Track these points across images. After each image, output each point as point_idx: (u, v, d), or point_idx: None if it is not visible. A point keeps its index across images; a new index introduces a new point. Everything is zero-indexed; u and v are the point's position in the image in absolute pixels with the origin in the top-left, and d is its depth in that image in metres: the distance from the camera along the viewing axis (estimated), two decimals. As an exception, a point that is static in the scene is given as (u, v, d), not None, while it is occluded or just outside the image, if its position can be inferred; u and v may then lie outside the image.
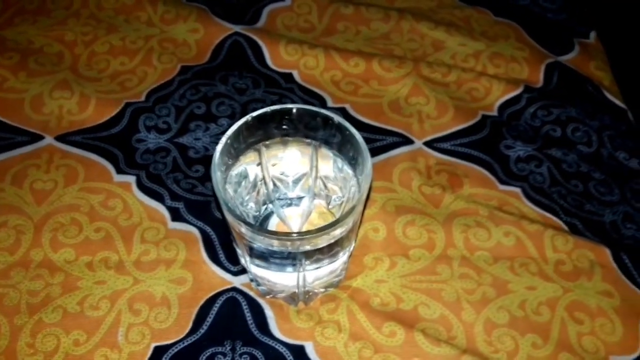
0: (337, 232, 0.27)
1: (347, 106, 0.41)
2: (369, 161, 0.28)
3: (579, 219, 0.36)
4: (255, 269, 0.30)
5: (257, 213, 0.33)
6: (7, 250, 0.33)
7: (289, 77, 0.42)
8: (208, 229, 0.35)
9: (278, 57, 0.43)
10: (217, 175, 0.27)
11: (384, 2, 0.47)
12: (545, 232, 0.36)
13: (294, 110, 0.30)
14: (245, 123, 0.29)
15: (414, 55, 0.44)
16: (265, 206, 0.33)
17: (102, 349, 0.30)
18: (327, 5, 0.46)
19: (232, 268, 0.33)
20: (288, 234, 0.27)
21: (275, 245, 0.27)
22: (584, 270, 0.34)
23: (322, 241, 0.27)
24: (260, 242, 0.27)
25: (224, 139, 0.28)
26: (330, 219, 0.33)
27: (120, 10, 0.44)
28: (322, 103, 0.41)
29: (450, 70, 0.43)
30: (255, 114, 0.29)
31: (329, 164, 0.32)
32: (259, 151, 0.31)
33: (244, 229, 0.27)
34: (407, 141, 0.39)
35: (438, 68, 0.43)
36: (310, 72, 0.42)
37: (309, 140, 0.31)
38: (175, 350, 0.30)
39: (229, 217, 0.27)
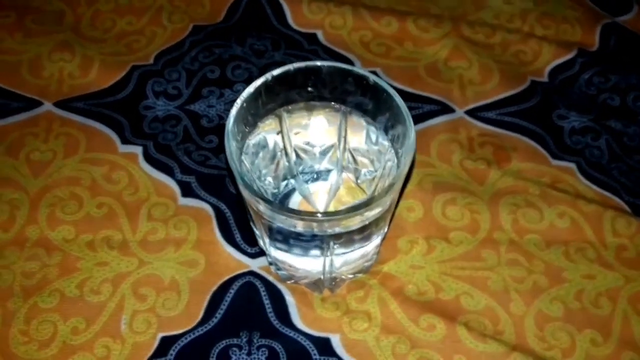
0: (372, 213, 0.23)
1: (378, 70, 0.36)
2: (412, 131, 0.23)
3: (643, 199, 0.32)
4: (275, 252, 0.27)
5: (276, 190, 0.29)
6: (0, 226, 0.30)
7: (312, 37, 0.38)
8: (222, 206, 0.31)
9: (301, 15, 0.38)
10: (231, 144, 0.23)
11: (418, -45, 0.42)
12: (604, 213, 0.31)
13: (322, 69, 0.26)
14: (264, 84, 0.25)
15: (452, 14, 0.39)
16: (286, 181, 0.29)
17: (104, 338, 0.27)
18: (355, -41, 0.41)
19: (249, 250, 0.30)
20: (314, 214, 0.23)
21: (300, 226, 0.23)
22: (650, 258, 0.30)
23: (355, 222, 0.23)
24: (282, 223, 0.23)
25: (239, 102, 0.24)
26: (360, 196, 0.29)
27: (127, -35, 0.40)
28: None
29: (494, 31, 0.38)
30: (275, 72, 0.25)
31: (360, 133, 0.28)
32: (279, 117, 0.27)
33: (262, 207, 0.23)
34: (447, 110, 0.35)
35: (480, 28, 0.38)
36: (337, 32, 0.38)
37: (338, 106, 0.27)
38: (185, 341, 0.27)
39: (245, 194, 0.23)
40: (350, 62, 0.37)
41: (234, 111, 0.24)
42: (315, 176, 0.30)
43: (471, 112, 0.35)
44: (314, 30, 0.38)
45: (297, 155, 0.29)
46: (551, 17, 0.39)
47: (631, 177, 0.33)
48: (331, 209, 0.29)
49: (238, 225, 0.31)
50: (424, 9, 0.39)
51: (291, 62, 0.36)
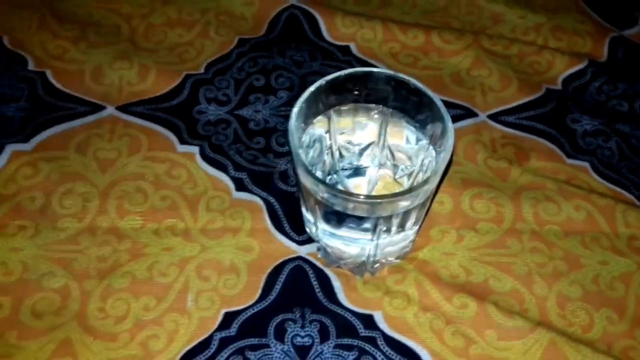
0: (417, 198, 0.27)
1: (407, 79, 0.40)
2: (451, 129, 0.27)
3: (651, 194, 0.35)
4: (326, 236, 0.30)
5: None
6: (74, 216, 0.33)
7: (346, 49, 0.42)
8: (272, 199, 0.34)
9: (335, 29, 0.42)
10: (294, 139, 0.27)
11: (440, -26, 0.46)
12: (616, 206, 0.34)
13: (369, 75, 0.29)
14: (319, 87, 0.29)
15: (473, 28, 0.43)
16: (330, 176, 0.33)
17: (172, 314, 0.30)
18: (383, -22, 0.45)
19: (297, 237, 0.33)
20: (369, 197, 0.26)
21: (353, 208, 0.27)
22: (659, 246, 0.33)
23: (400, 206, 0.27)
24: (338, 206, 0.27)
25: (299, 103, 0.28)
26: (398, 189, 0.32)
27: (176, -17, 0.44)
28: (381, 76, 0.40)
29: (511, 43, 0.42)
30: (328, 78, 0.29)
31: (400, 132, 0.31)
32: (329, 118, 0.31)
33: (322, 192, 0.26)
34: (471, 114, 0.38)
35: (499, 41, 0.42)
36: (368, 45, 0.42)
37: (381, 107, 0.31)
38: (246, 315, 0.30)
39: (307, 181, 0.27)
40: (382, 71, 0.40)
41: (295, 110, 0.27)
42: (354, 171, 0.33)
43: (493, 117, 0.38)
44: (347, 43, 0.42)
45: (340, 153, 0.32)
46: (563, 31, 0.43)
47: (639, 174, 0.36)
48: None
49: (286, 216, 0.34)
50: (447, 23, 0.43)
51: (328, 72, 0.40)
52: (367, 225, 0.28)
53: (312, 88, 0.28)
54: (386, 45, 0.42)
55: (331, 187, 0.26)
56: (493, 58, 0.41)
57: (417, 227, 0.31)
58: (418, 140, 0.30)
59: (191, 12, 0.43)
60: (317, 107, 0.30)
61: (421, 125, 0.30)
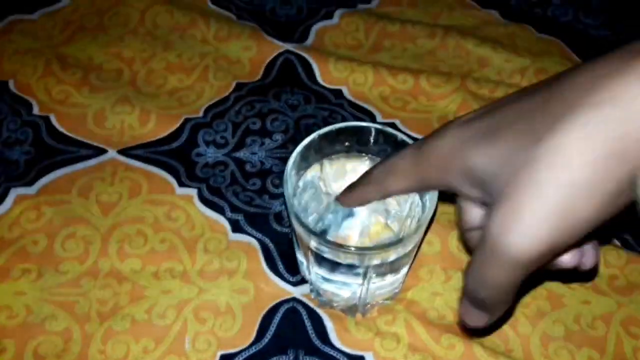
0: (405, 248, 0.28)
1: (397, 121, 0.42)
2: None
3: (630, 234, 0.37)
4: (319, 280, 0.31)
5: (317, 226, 0.34)
6: (77, 259, 0.35)
7: (338, 93, 0.43)
8: (267, 240, 0.36)
9: (328, 74, 0.44)
10: (288, 189, 0.28)
11: (429, 19, 0.48)
12: (597, 247, 0.36)
13: (358, 128, 0.31)
14: (312, 140, 0.30)
15: (460, 71, 0.45)
16: (323, 220, 0.34)
17: (170, 356, 0.31)
18: (373, 23, 0.47)
19: (291, 278, 0.34)
20: (357, 248, 0.28)
21: (343, 258, 0.28)
22: (638, 285, 0.35)
23: (390, 255, 0.28)
24: (329, 255, 0.28)
25: (294, 156, 0.30)
26: (389, 233, 0.34)
27: (175, 28, 0.46)
28: (372, 118, 0.42)
29: (497, 86, 0.44)
30: (321, 132, 0.31)
31: (389, 179, 0.33)
32: (321, 165, 0.32)
33: (313, 242, 0.28)
34: (458, 156, 0.40)
35: (485, 84, 0.44)
36: (359, 89, 0.44)
37: (370, 156, 0.32)
38: (241, 358, 0.31)
39: (299, 230, 0.28)
40: (372, 114, 0.42)
41: (290, 162, 0.29)
42: (348, 215, 0.35)
43: (479, 159, 0.40)
44: (339, 87, 0.44)
45: (333, 198, 0.34)
46: (547, 73, 0.45)
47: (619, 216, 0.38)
48: (364, 244, 0.34)
49: (281, 256, 0.35)
50: (435, 68, 0.45)
51: (321, 114, 0.42)
52: (358, 271, 0.29)
53: (305, 142, 0.30)
54: (377, 89, 0.43)
55: (322, 237, 0.27)
56: (479, 101, 0.43)
57: (406, 270, 0.32)
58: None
59: (190, 57, 0.44)
60: (310, 158, 0.31)
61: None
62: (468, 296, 0.24)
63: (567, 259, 0.24)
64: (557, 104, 0.20)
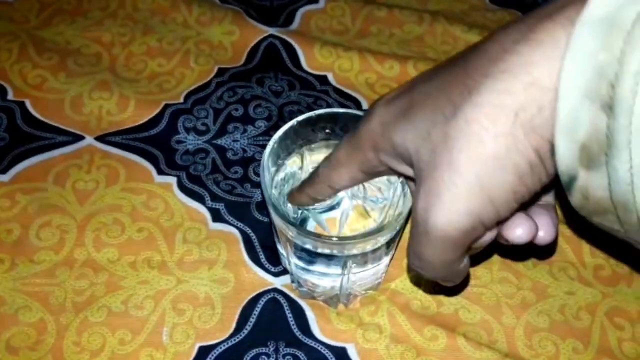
0: (384, 238, 0.27)
1: (383, 109, 0.41)
2: None
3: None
4: (299, 271, 0.31)
5: (295, 215, 0.33)
6: (52, 249, 0.34)
7: (323, 79, 0.42)
8: (248, 230, 0.35)
9: (313, 59, 0.43)
10: (265, 178, 0.28)
11: (416, 4, 0.47)
12: (583, 237, 0.36)
13: (338, 115, 0.30)
14: (291, 127, 0.29)
15: (448, 57, 0.44)
16: (301, 210, 0.34)
17: (147, 348, 0.31)
18: (360, 8, 0.46)
19: (272, 269, 0.34)
20: (334, 238, 0.27)
21: (322, 248, 0.27)
22: (623, 276, 0.34)
23: (369, 245, 0.27)
24: (308, 245, 0.27)
25: (271, 143, 0.29)
26: (369, 221, 0.33)
27: (157, 12, 0.45)
28: (357, 105, 0.41)
29: (485, 73, 0.43)
30: (300, 118, 0.30)
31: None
32: (302, 155, 0.31)
33: (292, 232, 0.27)
34: (444, 144, 0.39)
35: (473, 71, 0.43)
36: (345, 75, 0.43)
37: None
38: (220, 350, 0.31)
39: (277, 221, 0.27)
40: (358, 102, 0.41)
41: (267, 150, 0.28)
42: (327, 205, 0.34)
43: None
44: (325, 73, 0.43)
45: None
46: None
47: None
48: (343, 234, 0.33)
49: (262, 246, 0.35)
50: (422, 54, 0.44)
51: (305, 101, 0.41)
52: (338, 261, 0.28)
53: (284, 128, 0.29)
54: (362, 76, 0.43)
55: (300, 228, 0.26)
56: (466, 88, 0.42)
57: (387, 260, 0.31)
58: (390, 176, 0.31)
59: (171, 41, 0.43)
60: (290, 146, 0.30)
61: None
62: (415, 272, 0.24)
63: (519, 233, 0.23)
64: (469, 75, 0.20)
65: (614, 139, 0.17)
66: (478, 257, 0.34)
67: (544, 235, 0.24)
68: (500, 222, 0.22)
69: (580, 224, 0.36)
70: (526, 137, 0.19)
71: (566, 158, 0.18)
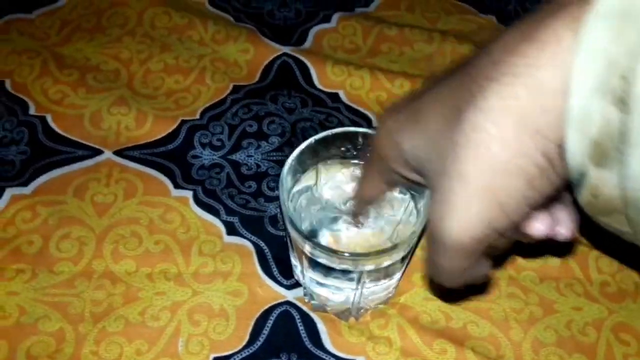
0: (398, 254, 0.28)
1: (393, 126, 0.42)
2: (428, 192, 0.29)
3: (622, 241, 0.37)
4: (313, 284, 0.31)
5: (311, 229, 0.34)
6: (71, 260, 0.35)
7: (335, 96, 0.44)
8: (261, 244, 0.36)
9: (325, 77, 0.44)
10: (284, 194, 0.29)
11: (426, 24, 0.49)
12: (589, 253, 0.36)
13: (354, 133, 0.31)
14: (308, 145, 0.30)
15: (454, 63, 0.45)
16: (318, 225, 0.34)
17: (164, 358, 0.31)
18: (371, 27, 0.47)
19: (285, 282, 0.35)
20: (353, 254, 0.28)
21: (337, 263, 0.28)
22: (629, 292, 0.35)
23: (383, 261, 0.28)
24: (323, 260, 0.28)
25: (289, 161, 0.30)
26: (382, 237, 0.34)
27: (173, 30, 0.46)
28: (368, 122, 0.42)
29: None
30: (317, 137, 0.31)
31: (383, 184, 0.33)
32: (317, 170, 0.32)
33: (308, 247, 0.28)
34: (453, 162, 0.40)
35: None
36: (356, 92, 0.44)
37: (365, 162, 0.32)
38: (235, 361, 0.31)
39: (294, 235, 0.28)
40: (368, 119, 0.42)
41: (286, 168, 0.29)
42: (341, 219, 0.35)
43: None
44: (336, 90, 0.44)
45: (328, 202, 0.34)
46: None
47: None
48: (357, 248, 0.34)
49: (275, 260, 0.35)
50: (431, 72, 0.45)
51: (317, 117, 0.42)
52: (352, 276, 0.29)
53: (302, 146, 0.30)
54: (373, 94, 0.44)
55: (316, 243, 0.27)
56: (475, 107, 0.43)
57: (399, 275, 0.32)
58: (401, 193, 0.32)
59: (188, 58, 0.44)
60: (306, 162, 0.31)
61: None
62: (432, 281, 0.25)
63: (538, 228, 0.23)
64: (473, 79, 0.20)
65: (627, 134, 0.17)
66: (498, 258, 0.35)
67: (563, 231, 0.24)
68: (514, 226, 0.22)
69: (591, 231, 0.37)
70: (533, 141, 0.19)
71: (577, 155, 0.18)
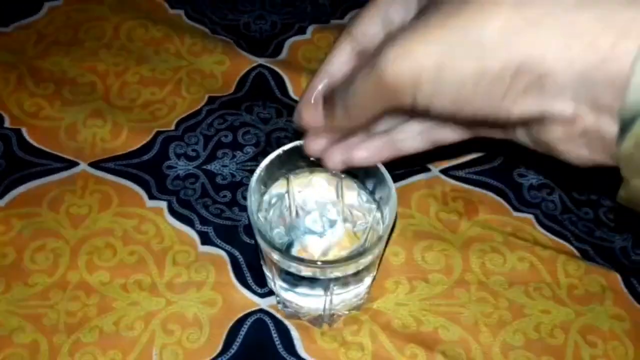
0: (365, 260, 0.29)
1: (366, 135, 0.43)
2: (394, 196, 0.29)
3: (589, 245, 0.38)
4: (284, 292, 0.32)
5: (282, 240, 0.34)
6: (45, 272, 0.35)
7: (310, 106, 0.44)
8: (236, 252, 0.36)
9: (300, 88, 0.45)
10: (252, 204, 0.29)
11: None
12: (557, 257, 0.37)
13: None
14: (278, 156, 0.31)
15: None
16: (291, 232, 0.35)
17: (137, 368, 0.32)
18: (345, 38, 0.48)
19: (259, 290, 0.35)
20: (317, 262, 0.29)
21: (305, 271, 0.29)
22: (596, 295, 0.36)
23: (350, 268, 0.29)
24: (291, 268, 0.29)
25: (258, 171, 0.30)
26: (356, 242, 0.35)
27: (150, 42, 0.47)
28: (342, 132, 0.43)
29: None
30: (286, 147, 0.31)
31: (353, 193, 0.34)
32: (287, 180, 0.33)
33: (276, 256, 0.28)
34: (424, 169, 0.41)
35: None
36: (331, 102, 0.44)
37: (334, 172, 0.33)
38: (208, 370, 0.32)
39: (262, 244, 0.29)
40: (343, 128, 0.43)
41: (254, 178, 0.30)
42: (314, 228, 0.35)
43: (444, 171, 0.41)
44: (311, 100, 0.45)
45: (300, 211, 0.35)
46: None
47: (579, 226, 0.39)
48: (331, 255, 0.34)
49: (249, 268, 0.36)
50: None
51: (292, 127, 0.43)
52: (321, 283, 0.30)
53: (270, 157, 0.31)
54: (347, 103, 0.44)
55: (283, 251, 0.28)
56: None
57: (369, 281, 0.33)
58: (368, 202, 0.33)
59: (164, 70, 0.45)
60: (276, 172, 0.32)
61: (370, 190, 0.32)
62: (331, 94, 0.26)
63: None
64: None
65: None
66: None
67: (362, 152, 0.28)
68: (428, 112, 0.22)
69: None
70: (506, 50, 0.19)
71: (638, 94, 0.18)
